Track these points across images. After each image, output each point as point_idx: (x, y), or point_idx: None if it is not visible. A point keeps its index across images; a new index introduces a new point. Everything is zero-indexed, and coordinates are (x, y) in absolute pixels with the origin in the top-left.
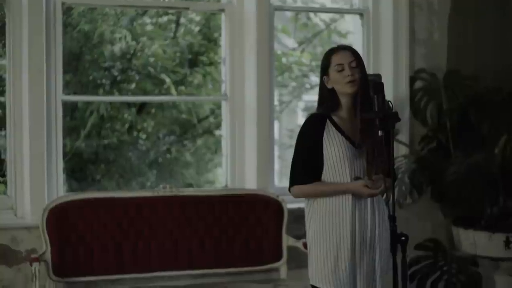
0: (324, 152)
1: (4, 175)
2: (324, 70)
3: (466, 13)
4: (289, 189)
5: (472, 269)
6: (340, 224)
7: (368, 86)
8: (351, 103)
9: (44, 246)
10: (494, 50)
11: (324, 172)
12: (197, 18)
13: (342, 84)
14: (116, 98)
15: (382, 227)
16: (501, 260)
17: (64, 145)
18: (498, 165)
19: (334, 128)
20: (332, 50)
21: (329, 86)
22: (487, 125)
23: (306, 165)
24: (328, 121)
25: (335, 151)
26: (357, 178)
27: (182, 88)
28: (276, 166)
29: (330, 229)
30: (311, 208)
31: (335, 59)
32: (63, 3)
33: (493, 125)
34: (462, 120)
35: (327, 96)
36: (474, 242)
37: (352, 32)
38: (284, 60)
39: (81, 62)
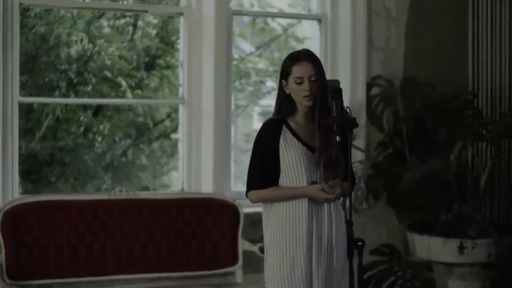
0: (280, 158)
1: None
2: (284, 76)
3: (423, 20)
4: (246, 194)
5: (427, 274)
6: (297, 228)
7: (327, 94)
8: (307, 109)
9: None
10: (450, 57)
11: (281, 177)
12: (155, 21)
13: (299, 97)
14: (72, 100)
15: (339, 232)
16: (455, 265)
17: (19, 147)
18: (453, 172)
19: (290, 133)
20: (295, 58)
21: (287, 91)
22: (442, 132)
23: (263, 170)
24: (284, 126)
25: (291, 156)
26: (313, 183)
27: (139, 91)
28: (233, 170)
29: (286, 233)
30: (268, 212)
31: (296, 71)
32: (20, 4)
33: (448, 132)
34: (418, 126)
35: (284, 100)
36: (429, 247)
37: (309, 38)
38: (241, 65)
39: (38, 64)
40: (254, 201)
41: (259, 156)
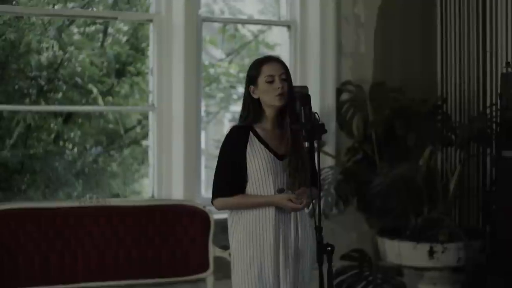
0: (248, 165)
1: None
2: (252, 79)
3: (392, 26)
4: (212, 202)
5: (397, 279)
6: (263, 235)
7: (295, 98)
8: (275, 115)
9: None
10: (419, 63)
11: (248, 184)
12: (125, 28)
13: (271, 96)
14: (43, 107)
15: (305, 239)
16: (425, 269)
17: None
18: (422, 176)
19: (257, 141)
20: (263, 60)
21: (255, 96)
22: (412, 137)
23: (230, 178)
24: (251, 134)
25: (259, 163)
26: (280, 190)
27: (109, 98)
28: (203, 176)
29: (253, 240)
30: (234, 219)
31: (266, 70)
32: None
33: (417, 137)
34: (388, 131)
35: (252, 107)
36: (399, 252)
37: (279, 44)
38: (212, 71)
39: (7, 71)
40: (220, 209)
41: (225, 163)
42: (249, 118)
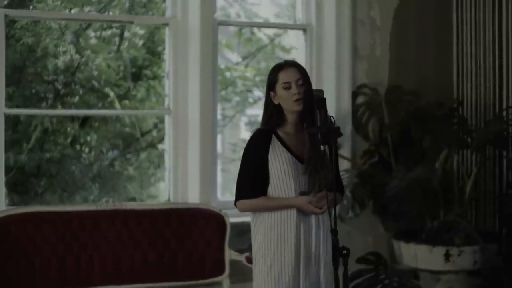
0: (269, 167)
1: None
2: (271, 86)
3: (407, 29)
4: (235, 203)
5: (413, 282)
6: (285, 237)
7: (313, 101)
8: (297, 119)
9: None
10: (435, 65)
11: (270, 187)
12: (141, 32)
13: (289, 102)
14: (60, 111)
15: (326, 241)
16: (442, 273)
17: (7, 159)
18: (438, 179)
19: (279, 143)
20: (280, 66)
21: (275, 102)
22: (427, 140)
23: (252, 180)
24: (273, 137)
25: (280, 166)
26: (302, 193)
27: (126, 101)
28: (219, 180)
29: (274, 242)
30: (256, 221)
31: (282, 77)
32: (6, 16)
33: (434, 140)
34: (403, 135)
35: (273, 112)
36: (415, 255)
37: (295, 47)
38: (228, 74)
39: (24, 75)
40: (243, 210)
41: (248, 165)
42: (272, 122)
